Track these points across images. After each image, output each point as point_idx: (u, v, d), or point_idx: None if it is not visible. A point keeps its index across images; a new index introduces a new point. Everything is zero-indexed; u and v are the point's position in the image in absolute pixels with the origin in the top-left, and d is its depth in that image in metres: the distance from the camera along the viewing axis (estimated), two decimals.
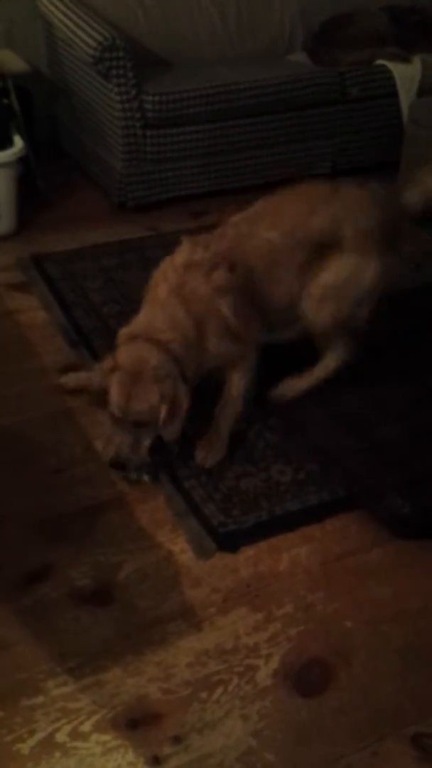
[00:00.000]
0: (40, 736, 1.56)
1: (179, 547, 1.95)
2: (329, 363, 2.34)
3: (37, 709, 1.60)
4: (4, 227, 3.25)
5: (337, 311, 2.24)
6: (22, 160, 3.26)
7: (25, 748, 1.54)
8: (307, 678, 1.68)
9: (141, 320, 2.11)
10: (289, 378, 2.34)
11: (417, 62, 3.70)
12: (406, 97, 3.65)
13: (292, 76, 3.51)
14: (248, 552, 1.94)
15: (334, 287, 2.23)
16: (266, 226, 2.21)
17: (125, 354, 2.04)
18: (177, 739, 1.56)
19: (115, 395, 2.01)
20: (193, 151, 3.43)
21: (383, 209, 2.26)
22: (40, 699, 1.62)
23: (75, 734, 1.56)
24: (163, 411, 1.99)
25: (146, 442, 2.04)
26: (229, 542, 1.95)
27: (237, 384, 2.25)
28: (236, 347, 2.18)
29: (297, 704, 1.63)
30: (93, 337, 2.65)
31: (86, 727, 1.57)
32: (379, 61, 3.69)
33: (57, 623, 1.76)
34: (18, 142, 3.19)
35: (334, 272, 2.22)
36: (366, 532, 2.00)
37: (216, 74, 3.48)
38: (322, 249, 2.21)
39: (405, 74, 3.67)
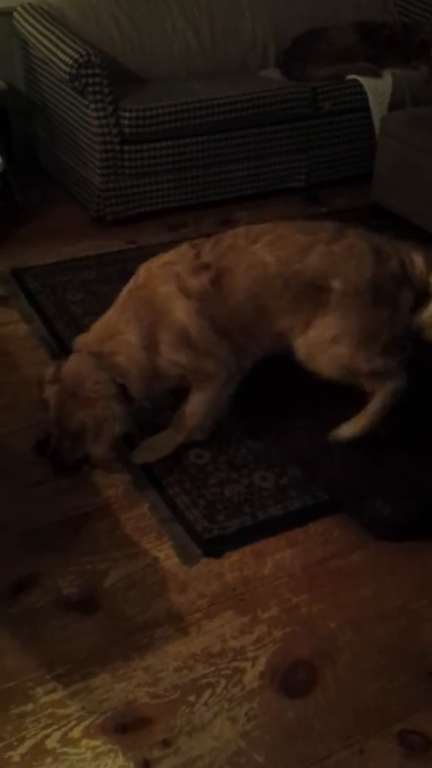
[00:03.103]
0: (30, 743, 1.57)
1: (164, 553, 1.97)
2: (378, 402, 2.14)
3: (26, 717, 1.61)
4: None
5: (332, 365, 2.09)
6: (0, 177, 3.28)
7: (15, 755, 1.54)
8: (293, 679, 1.71)
9: (97, 326, 2.13)
10: (349, 423, 2.17)
11: (387, 77, 3.78)
12: (377, 111, 3.72)
13: (266, 91, 3.57)
14: (233, 557, 1.97)
15: (320, 347, 2.08)
16: (265, 246, 2.05)
17: (69, 366, 2.06)
18: (166, 743, 1.58)
19: (51, 408, 2.05)
20: (169, 165, 3.48)
21: (381, 268, 2.03)
22: (29, 706, 1.63)
23: (65, 740, 1.57)
24: (89, 432, 2.01)
25: (78, 454, 2.07)
26: (214, 547, 1.98)
27: (194, 404, 2.14)
28: (196, 361, 2.07)
29: (284, 705, 1.65)
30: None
31: (76, 732, 1.59)
32: (351, 76, 3.76)
33: (45, 631, 1.78)
34: None
35: (319, 331, 2.06)
36: (348, 535, 2.04)
37: (191, 90, 3.53)
38: (316, 291, 2.03)
39: (376, 89, 3.74)
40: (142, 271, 2.13)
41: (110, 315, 2.11)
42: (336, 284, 2.00)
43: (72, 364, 2.06)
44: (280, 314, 2.06)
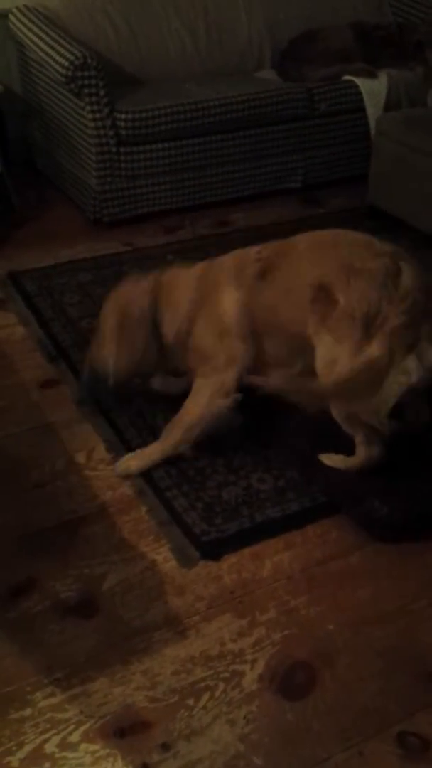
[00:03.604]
0: (29, 748, 1.56)
1: (162, 556, 1.97)
2: (357, 457, 2.11)
3: (25, 721, 1.61)
4: None
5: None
6: None
7: (14, 760, 1.54)
8: (292, 681, 1.70)
9: (178, 273, 2.28)
10: (338, 455, 2.14)
11: (383, 77, 3.78)
12: (373, 112, 3.73)
13: (262, 92, 3.57)
14: (231, 559, 1.97)
15: (327, 367, 2.02)
16: (310, 254, 2.11)
17: (131, 285, 2.29)
18: (165, 746, 1.57)
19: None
20: (165, 167, 3.48)
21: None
22: (28, 711, 1.63)
23: (64, 745, 1.57)
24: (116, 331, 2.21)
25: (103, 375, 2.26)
26: (212, 550, 1.98)
27: (197, 395, 2.16)
28: (212, 350, 2.15)
29: (283, 708, 1.65)
30: (71, 352, 2.67)
31: (75, 737, 1.58)
32: (346, 77, 3.77)
33: (43, 635, 1.77)
34: None
35: (325, 351, 2.03)
36: (346, 537, 2.04)
37: (187, 91, 3.53)
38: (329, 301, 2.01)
39: (372, 89, 3.75)
40: (226, 255, 2.26)
41: (191, 271, 2.26)
42: (341, 300, 1.99)
43: (133, 284, 2.28)
44: (304, 318, 2.06)
